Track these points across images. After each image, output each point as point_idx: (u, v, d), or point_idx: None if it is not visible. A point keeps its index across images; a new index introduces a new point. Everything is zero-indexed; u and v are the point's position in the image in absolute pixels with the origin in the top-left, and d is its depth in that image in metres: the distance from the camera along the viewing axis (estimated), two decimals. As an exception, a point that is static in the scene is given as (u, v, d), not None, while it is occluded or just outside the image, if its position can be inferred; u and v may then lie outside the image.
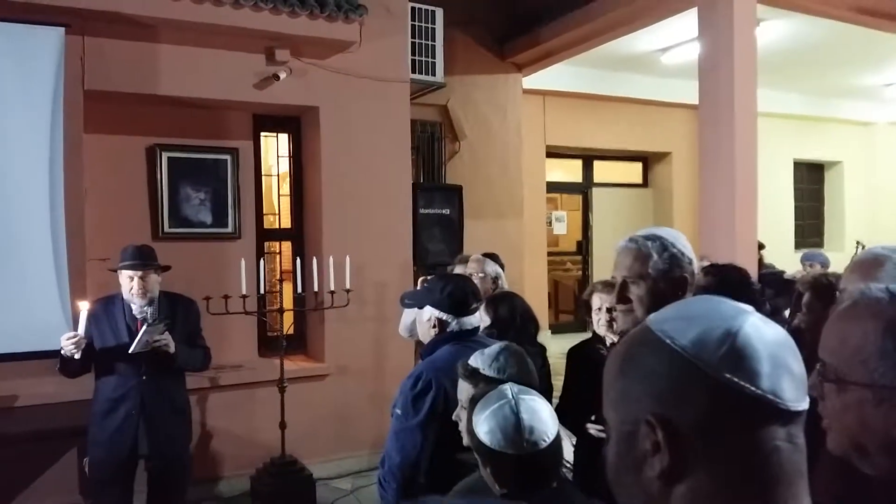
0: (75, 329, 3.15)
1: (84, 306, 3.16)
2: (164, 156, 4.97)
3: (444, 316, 2.25)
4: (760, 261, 5.65)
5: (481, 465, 1.60)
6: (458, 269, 4.75)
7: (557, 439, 1.59)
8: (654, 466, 0.70)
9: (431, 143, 6.82)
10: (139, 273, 3.28)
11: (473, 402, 1.66)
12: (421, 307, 2.29)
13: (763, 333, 0.71)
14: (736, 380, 0.68)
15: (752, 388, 0.68)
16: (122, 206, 4.83)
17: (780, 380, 0.69)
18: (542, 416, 1.59)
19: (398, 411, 2.13)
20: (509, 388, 1.61)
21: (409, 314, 3.82)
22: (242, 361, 5.09)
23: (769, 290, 4.51)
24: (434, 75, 5.81)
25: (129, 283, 3.28)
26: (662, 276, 1.73)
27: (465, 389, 1.88)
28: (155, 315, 3.30)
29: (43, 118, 4.09)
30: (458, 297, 2.27)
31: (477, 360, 1.89)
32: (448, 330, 2.25)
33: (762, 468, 0.69)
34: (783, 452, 0.69)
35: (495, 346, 1.94)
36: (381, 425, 5.11)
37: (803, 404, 0.71)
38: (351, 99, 5.14)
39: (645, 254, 1.75)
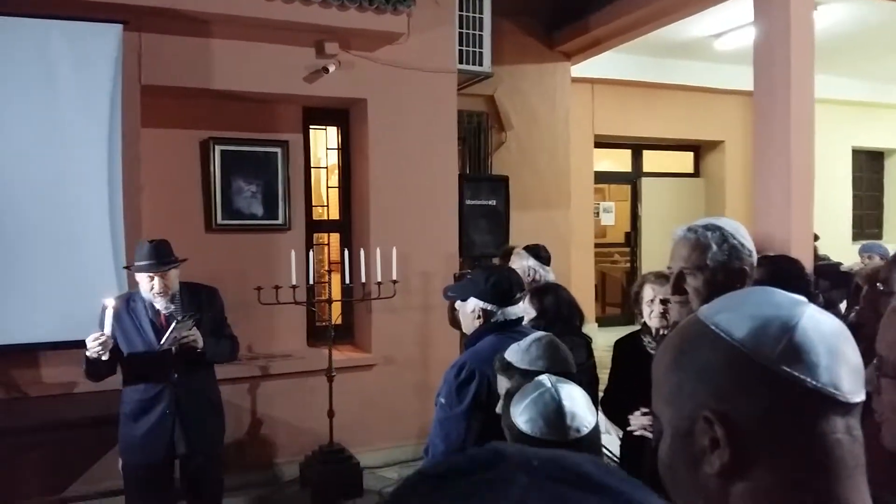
0: (101, 329, 2.99)
1: (109, 303, 3.00)
2: (217, 149, 5.08)
3: (489, 306, 2.26)
4: (815, 252, 5.49)
5: None
6: (497, 261, 4.77)
7: (597, 427, 1.59)
8: (712, 463, 0.69)
9: (478, 133, 6.80)
10: (159, 272, 3.11)
11: (509, 395, 1.66)
12: (465, 299, 2.31)
13: (820, 325, 0.70)
14: (795, 373, 0.67)
15: (812, 381, 0.67)
16: (176, 198, 4.96)
17: (838, 371, 0.68)
18: (581, 402, 1.58)
19: (442, 400, 2.15)
20: (547, 378, 1.61)
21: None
22: (292, 351, 5.19)
23: (824, 282, 4.38)
24: (481, 65, 5.79)
25: (149, 283, 3.12)
26: (721, 268, 1.70)
27: (502, 384, 1.89)
28: (179, 310, 3.15)
29: (102, 113, 4.22)
30: (501, 286, 2.28)
31: (510, 354, 1.89)
32: (492, 320, 2.26)
33: (823, 461, 0.68)
34: (843, 445, 0.68)
35: (527, 338, 1.93)
36: (425, 415, 5.15)
37: (861, 395, 0.70)
38: (398, 90, 5.16)
39: (704, 244, 1.72)
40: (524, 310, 2.34)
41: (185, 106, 4.92)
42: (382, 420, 5.09)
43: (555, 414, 1.54)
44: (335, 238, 5.63)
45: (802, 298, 0.74)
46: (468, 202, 5.84)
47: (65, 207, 4.18)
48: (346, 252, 4.72)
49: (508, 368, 1.87)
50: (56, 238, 4.15)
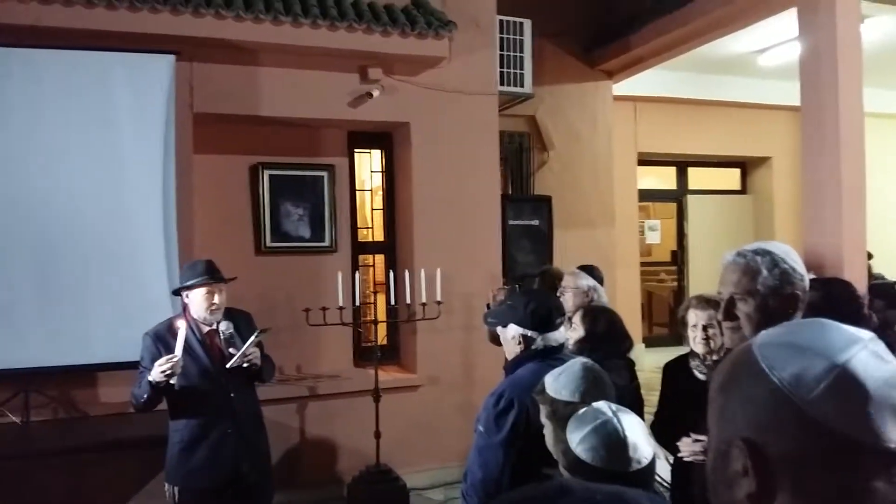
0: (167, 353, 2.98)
1: (182, 325, 3.01)
2: (266, 174, 5.21)
3: (529, 332, 2.25)
4: (869, 270, 5.34)
5: None
6: (537, 283, 4.76)
7: (654, 458, 1.58)
8: (742, 488, 0.71)
9: (520, 153, 6.84)
10: (217, 287, 3.14)
11: (559, 419, 1.66)
12: (504, 325, 2.31)
13: (870, 370, 0.69)
14: (831, 418, 0.67)
15: (849, 428, 0.66)
16: (227, 222, 5.10)
17: (884, 419, 0.67)
18: (641, 433, 1.59)
19: (481, 428, 2.16)
20: (606, 406, 1.62)
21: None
22: (338, 371, 5.26)
23: (879, 302, 4.26)
24: (522, 86, 5.84)
25: (208, 298, 3.13)
26: (772, 293, 1.68)
27: (542, 411, 1.89)
28: (232, 331, 3.17)
29: (157, 140, 4.38)
30: (541, 313, 2.27)
31: (547, 380, 1.89)
32: (533, 347, 2.25)
33: None
34: (878, 493, 0.67)
35: (562, 367, 1.93)
36: (470, 437, 5.14)
37: None
38: (441, 113, 5.24)
39: (754, 269, 1.70)
40: (567, 333, 2.32)
41: (235, 132, 5.07)
42: (428, 440, 5.11)
43: (617, 444, 1.54)
44: (380, 259, 5.71)
45: (864, 335, 0.72)
46: (511, 222, 5.87)
47: (121, 232, 4.33)
48: (391, 273, 4.78)
49: (543, 393, 1.88)
50: (112, 261, 4.30)
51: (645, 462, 1.54)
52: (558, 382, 1.86)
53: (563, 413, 1.80)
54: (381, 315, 5.49)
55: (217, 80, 4.71)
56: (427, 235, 5.24)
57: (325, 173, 5.35)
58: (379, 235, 5.74)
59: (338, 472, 4.93)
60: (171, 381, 2.96)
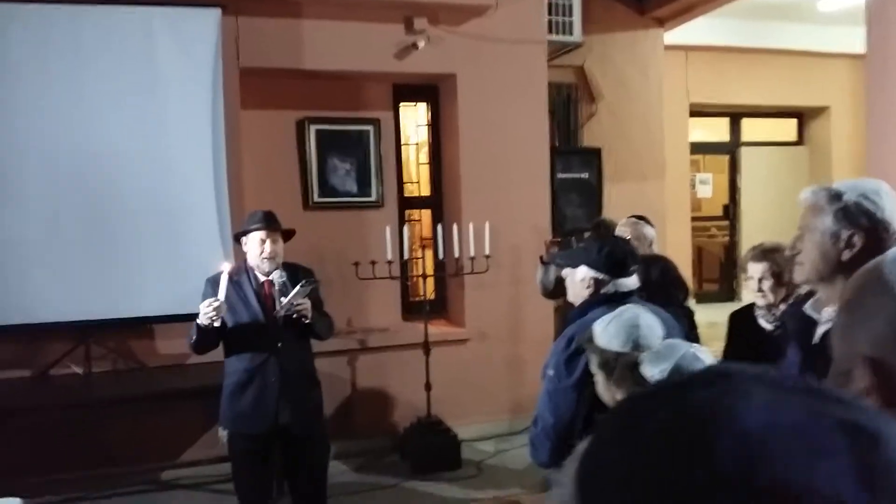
0: (213, 296, 3.01)
1: (225, 268, 3.06)
2: (313, 128, 5.19)
3: (601, 276, 2.19)
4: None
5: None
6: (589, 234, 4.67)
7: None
8: None
9: (567, 105, 6.67)
10: (272, 235, 3.17)
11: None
12: (575, 266, 2.25)
13: None
14: None
15: None
16: (275, 178, 5.11)
17: None
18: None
19: (550, 372, 2.12)
20: (683, 342, 1.57)
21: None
22: (388, 325, 5.29)
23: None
24: (571, 34, 5.66)
25: (260, 245, 3.15)
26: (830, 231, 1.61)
27: (591, 361, 1.86)
28: (286, 280, 3.17)
29: (204, 96, 4.39)
30: (616, 257, 2.20)
31: (595, 332, 1.85)
32: (602, 291, 2.20)
33: None
34: None
35: (611, 314, 1.88)
36: (518, 390, 5.18)
37: None
38: (487, 64, 5.12)
39: (823, 205, 1.63)
40: (636, 282, 2.25)
41: (281, 87, 5.04)
42: (477, 394, 5.13)
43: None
44: (426, 214, 5.68)
45: None
46: (559, 175, 5.76)
47: (171, 187, 4.38)
48: (439, 227, 4.75)
49: (591, 343, 1.84)
50: (163, 217, 4.36)
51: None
52: (608, 332, 1.81)
53: (614, 364, 1.76)
54: (429, 270, 5.49)
55: (262, 33, 4.67)
56: (474, 189, 5.17)
57: (370, 127, 5.30)
58: (425, 190, 5.69)
59: (389, 423, 4.99)
60: (216, 325, 3.00)
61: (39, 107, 4.15)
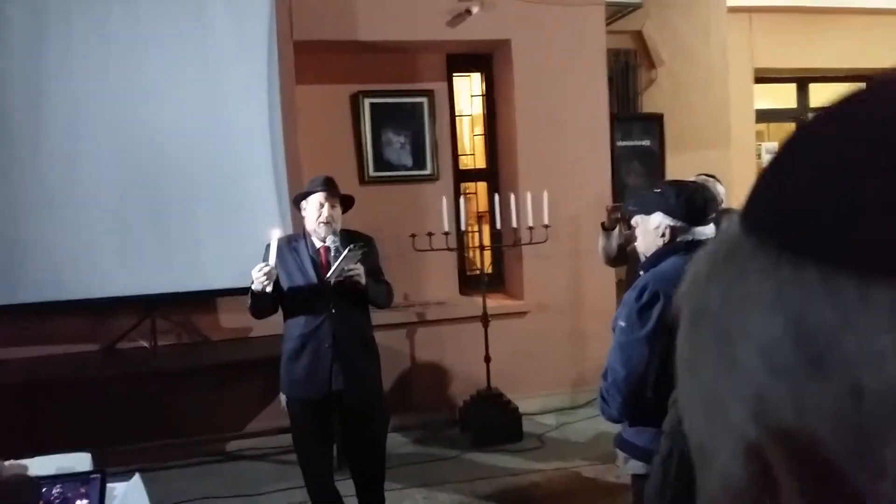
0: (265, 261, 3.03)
1: (275, 234, 3.08)
2: (367, 102, 5.16)
3: (677, 223, 2.07)
4: None
5: None
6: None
7: None
8: None
9: (626, 72, 6.46)
10: (331, 200, 3.14)
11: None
12: (649, 213, 2.13)
13: None
14: None
15: None
16: (330, 152, 5.10)
17: None
18: None
19: (622, 323, 2.02)
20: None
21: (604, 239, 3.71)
22: (445, 299, 5.24)
23: None
24: (630, -4, 5.47)
25: (318, 210, 3.12)
26: None
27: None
28: (339, 245, 3.12)
29: (259, 70, 4.40)
30: (695, 203, 2.08)
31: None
32: (678, 239, 2.08)
33: None
34: None
35: None
36: (579, 363, 5.07)
37: None
38: (543, 28, 4.99)
39: None
40: (714, 231, 2.11)
41: (335, 61, 5.02)
42: (537, 367, 5.05)
43: None
44: (482, 187, 5.59)
45: None
46: (619, 143, 5.60)
47: (228, 163, 4.41)
48: (497, 197, 4.66)
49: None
50: (221, 193, 4.40)
51: None
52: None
53: None
54: (486, 243, 5.41)
55: (315, 5, 4.64)
56: (531, 159, 5.06)
57: (424, 99, 5.24)
58: (481, 162, 5.61)
59: (449, 395, 4.96)
60: (267, 290, 3.00)
61: (101, 88, 4.22)
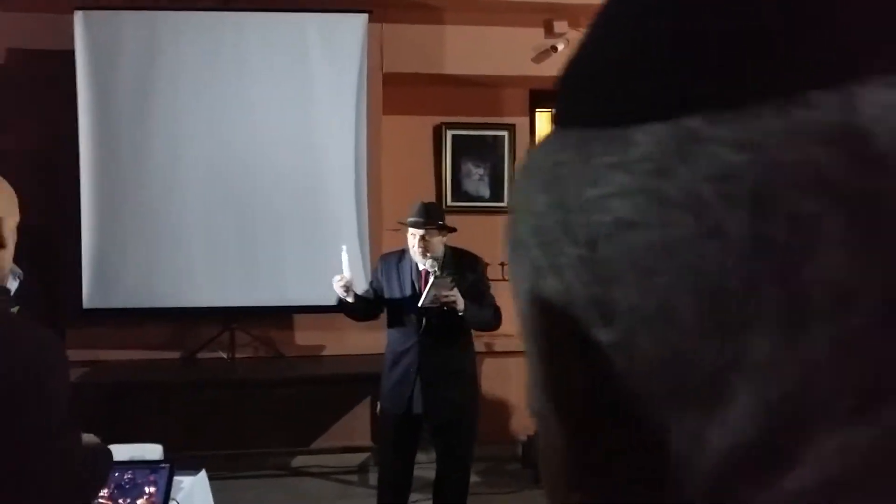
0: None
1: (344, 250, 3.27)
2: (449, 134, 5.28)
3: None
4: None
5: None
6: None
7: None
8: None
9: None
10: (421, 231, 3.19)
11: None
12: None
13: None
14: None
15: None
16: (411, 181, 5.21)
17: None
18: None
19: None
20: None
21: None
22: (515, 332, 5.21)
23: None
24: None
25: (412, 240, 3.21)
26: None
27: None
28: (437, 270, 3.16)
29: (349, 100, 4.58)
30: None
31: None
32: None
33: None
34: None
35: None
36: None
37: None
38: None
39: None
40: None
41: (421, 93, 5.16)
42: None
43: None
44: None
45: None
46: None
47: (314, 187, 4.59)
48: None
49: None
50: (306, 215, 4.57)
51: None
52: None
53: None
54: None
55: (405, 39, 4.81)
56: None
57: (505, 133, 5.31)
58: (559, 197, 5.60)
59: (513, 430, 4.91)
60: (349, 299, 3.20)
61: (203, 108, 4.49)
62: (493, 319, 3.29)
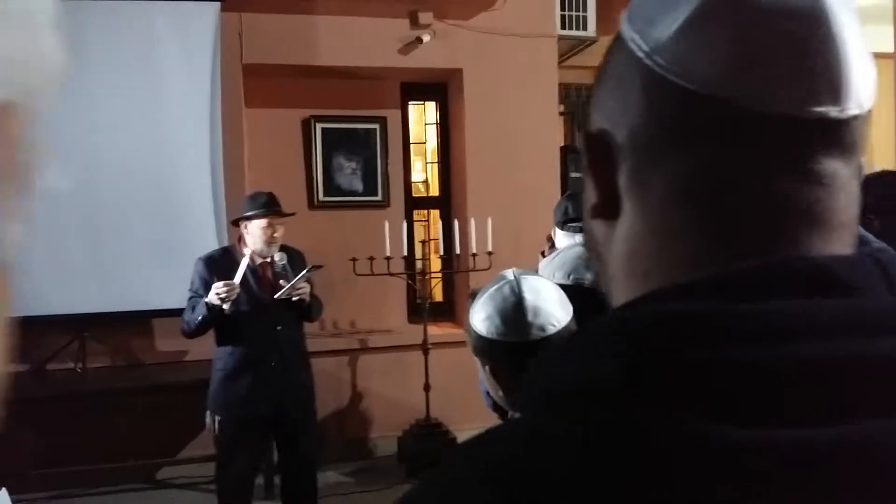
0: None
1: (247, 252, 3.10)
2: (319, 127, 5.14)
3: None
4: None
5: (480, 365, 1.38)
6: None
7: (569, 325, 1.32)
8: (587, 200, 0.51)
9: (587, 107, 6.51)
10: (279, 220, 3.17)
11: (472, 296, 1.42)
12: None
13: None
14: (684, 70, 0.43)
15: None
16: (280, 176, 5.03)
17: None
18: (550, 297, 1.34)
19: None
20: (511, 271, 1.40)
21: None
22: (392, 327, 5.17)
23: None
24: (585, 30, 5.49)
25: (267, 230, 3.12)
26: None
27: None
28: (286, 262, 3.15)
29: (203, 93, 4.37)
30: None
31: (540, 268, 1.72)
32: None
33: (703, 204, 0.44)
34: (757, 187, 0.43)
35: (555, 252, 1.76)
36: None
37: (834, 108, 0.41)
38: (496, 59, 5.01)
39: None
40: None
41: (287, 85, 5.01)
42: (478, 397, 4.94)
43: (513, 309, 1.31)
44: (435, 215, 5.56)
45: None
46: (573, 175, 5.59)
47: (168, 184, 4.36)
48: (441, 224, 4.64)
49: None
50: (159, 214, 4.34)
51: (552, 330, 1.30)
52: (552, 265, 1.68)
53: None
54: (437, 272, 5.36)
55: (266, 29, 4.64)
56: (481, 186, 5.05)
57: (377, 126, 5.23)
58: (434, 190, 5.59)
59: (388, 425, 4.85)
60: (224, 307, 3.00)
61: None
62: (321, 310, 3.43)
